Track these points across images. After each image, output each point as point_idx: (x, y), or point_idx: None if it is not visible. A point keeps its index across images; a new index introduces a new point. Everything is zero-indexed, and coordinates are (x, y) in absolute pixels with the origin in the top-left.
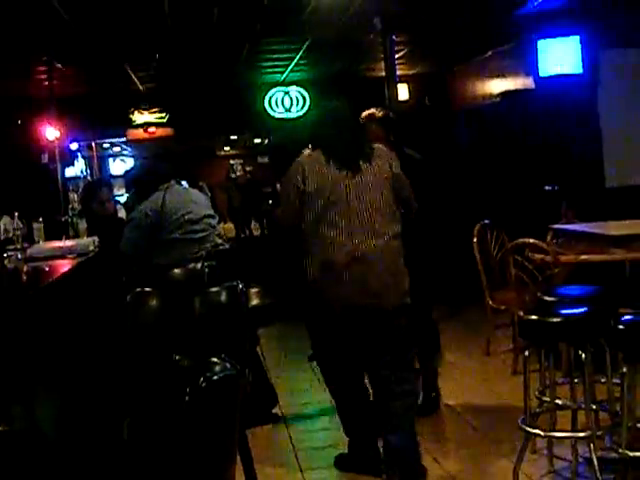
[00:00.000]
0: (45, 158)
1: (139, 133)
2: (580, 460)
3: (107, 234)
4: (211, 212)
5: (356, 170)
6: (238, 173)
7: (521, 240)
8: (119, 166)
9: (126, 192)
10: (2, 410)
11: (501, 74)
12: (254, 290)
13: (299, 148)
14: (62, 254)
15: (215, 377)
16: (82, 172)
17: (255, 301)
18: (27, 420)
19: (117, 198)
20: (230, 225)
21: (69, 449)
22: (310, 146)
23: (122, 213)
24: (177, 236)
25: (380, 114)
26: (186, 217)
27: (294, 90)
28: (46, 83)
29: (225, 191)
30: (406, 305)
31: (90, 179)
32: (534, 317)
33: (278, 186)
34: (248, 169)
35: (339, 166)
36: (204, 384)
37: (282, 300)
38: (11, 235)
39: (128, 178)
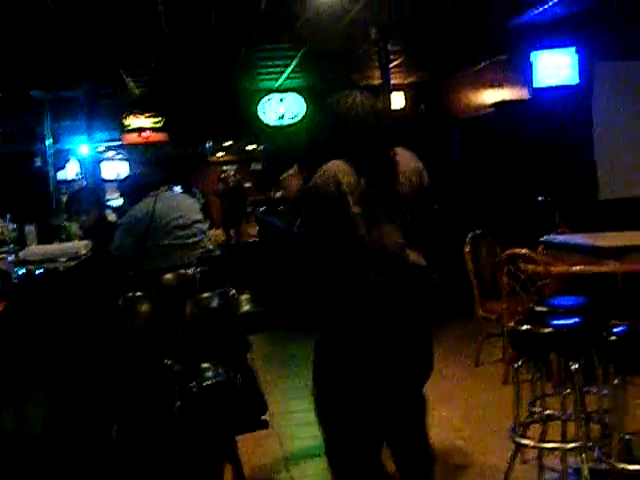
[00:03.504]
0: (38, 161)
1: (134, 137)
2: (570, 471)
3: (98, 238)
4: (201, 217)
5: (388, 190)
6: (230, 180)
7: (513, 250)
8: (112, 170)
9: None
10: None
11: (496, 84)
12: (245, 296)
13: (296, 155)
14: (54, 257)
15: (206, 383)
16: (76, 175)
17: (246, 307)
18: (17, 422)
19: (109, 203)
20: (220, 231)
21: (58, 452)
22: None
23: (113, 217)
24: (168, 242)
25: None
26: (177, 222)
27: (289, 97)
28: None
29: (219, 196)
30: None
31: (84, 184)
32: (525, 327)
33: (272, 193)
34: (236, 175)
35: (373, 184)
36: (195, 389)
37: (273, 307)
38: (3, 237)
39: (122, 190)
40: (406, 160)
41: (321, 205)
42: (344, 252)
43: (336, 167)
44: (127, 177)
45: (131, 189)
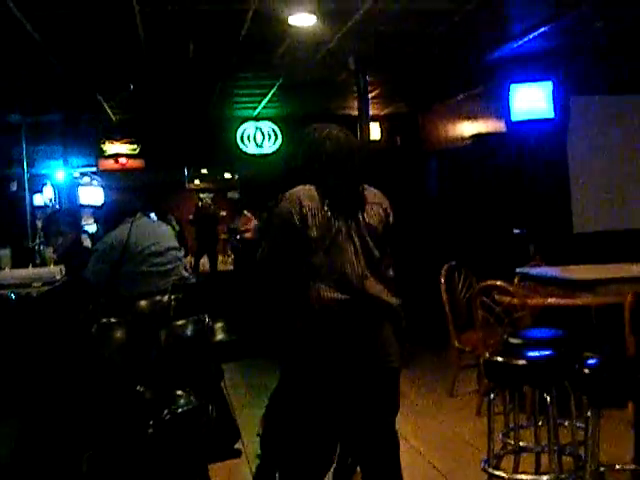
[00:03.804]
0: (14, 185)
1: (110, 164)
2: None
3: (73, 263)
4: (176, 244)
5: (354, 219)
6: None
7: (489, 282)
8: (88, 196)
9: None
10: None
11: (473, 117)
12: (219, 325)
13: (271, 183)
14: (28, 282)
15: (179, 410)
16: (51, 200)
17: (220, 336)
18: None
19: (85, 228)
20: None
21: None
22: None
23: (88, 242)
24: (143, 269)
25: None
26: (151, 249)
27: (266, 126)
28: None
29: (192, 224)
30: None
31: (58, 207)
32: (500, 359)
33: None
34: (212, 204)
35: (337, 211)
36: (168, 417)
37: (247, 336)
38: None
39: (97, 217)
40: (374, 196)
41: (282, 226)
42: (304, 276)
43: (302, 191)
44: (103, 204)
45: (106, 216)
